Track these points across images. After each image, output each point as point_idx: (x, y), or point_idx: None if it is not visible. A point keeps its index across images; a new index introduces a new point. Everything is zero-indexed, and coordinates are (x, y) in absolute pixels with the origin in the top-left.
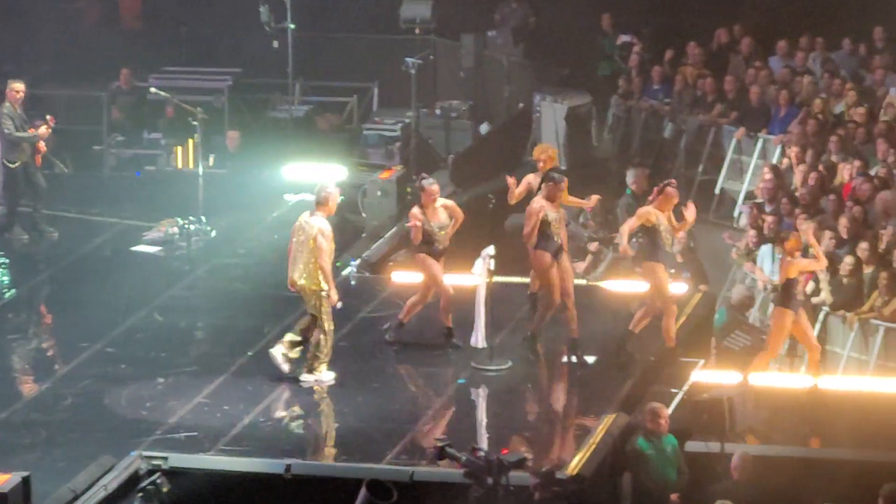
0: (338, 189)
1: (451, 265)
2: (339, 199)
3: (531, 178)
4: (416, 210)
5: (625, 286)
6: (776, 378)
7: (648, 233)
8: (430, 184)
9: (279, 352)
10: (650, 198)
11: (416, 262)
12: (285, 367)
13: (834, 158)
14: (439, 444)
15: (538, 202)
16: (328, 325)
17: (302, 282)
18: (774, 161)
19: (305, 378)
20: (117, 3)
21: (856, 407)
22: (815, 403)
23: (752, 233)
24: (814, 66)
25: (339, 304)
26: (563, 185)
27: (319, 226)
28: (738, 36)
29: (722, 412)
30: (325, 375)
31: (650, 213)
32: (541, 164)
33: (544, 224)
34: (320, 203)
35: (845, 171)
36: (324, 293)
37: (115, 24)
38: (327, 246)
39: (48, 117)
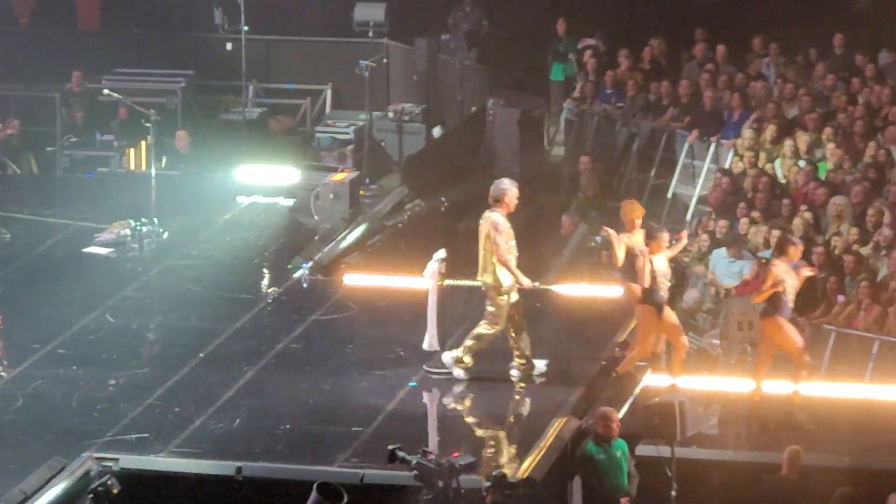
0: (514, 185)
1: (402, 268)
2: (516, 195)
3: (626, 239)
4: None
5: (575, 290)
6: (725, 382)
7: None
8: (663, 232)
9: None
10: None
11: (637, 313)
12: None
13: (789, 163)
14: (390, 447)
15: (778, 270)
16: (495, 322)
17: (482, 278)
18: (727, 166)
19: (445, 359)
20: (75, 4)
21: (807, 411)
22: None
23: (703, 237)
24: (767, 72)
25: (536, 284)
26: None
27: (492, 220)
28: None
29: (673, 416)
30: (456, 371)
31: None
32: (638, 223)
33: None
34: (496, 200)
35: (798, 176)
36: (503, 289)
37: (73, 25)
38: (502, 240)
39: None
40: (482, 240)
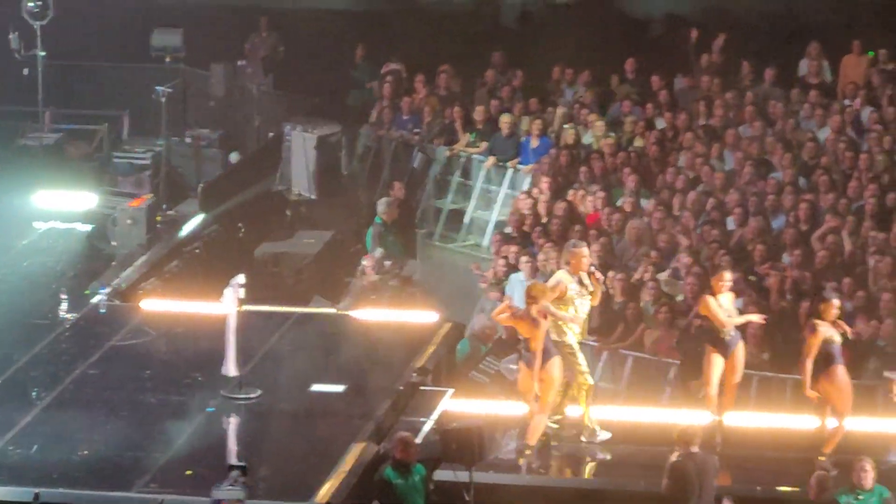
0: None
1: (200, 293)
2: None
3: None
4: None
5: (372, 315)
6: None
7: None
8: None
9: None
10: None
11: None
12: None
13: (584, 189)
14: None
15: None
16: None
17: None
18: (524, 191)
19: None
20: None
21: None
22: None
23: (499, 262)
24: (565, 99)
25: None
26: None
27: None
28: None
29: (471, 441)
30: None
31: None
32: None
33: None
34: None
35: (588, 202)
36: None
37: None
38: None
39: None
40: None
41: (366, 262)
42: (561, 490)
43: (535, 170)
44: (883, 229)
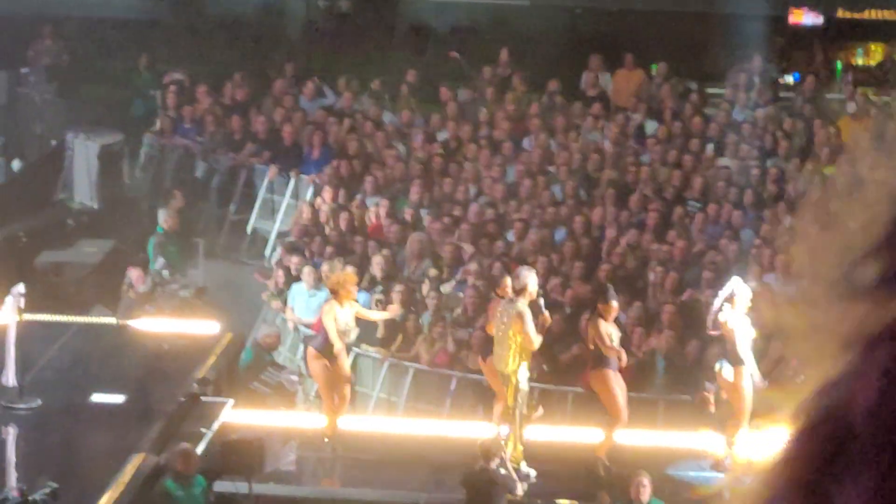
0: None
1: None
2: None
3: None
4: None
5: (153, 325)
6: (306, 419)
7: None
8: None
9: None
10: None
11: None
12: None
13: (368, 200)
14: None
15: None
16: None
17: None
18: (308, 201)
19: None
20: None
21: (383, 447)
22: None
23: (279, 272)
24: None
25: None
26: None
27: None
28: (273, 77)
29: (252, 453)
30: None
31: None
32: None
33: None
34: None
35: (372, 213)
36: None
37: None
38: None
39: None
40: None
41: (132, 275)
42: (342, 501)
43: (318, 179)
44: (664, 242)
